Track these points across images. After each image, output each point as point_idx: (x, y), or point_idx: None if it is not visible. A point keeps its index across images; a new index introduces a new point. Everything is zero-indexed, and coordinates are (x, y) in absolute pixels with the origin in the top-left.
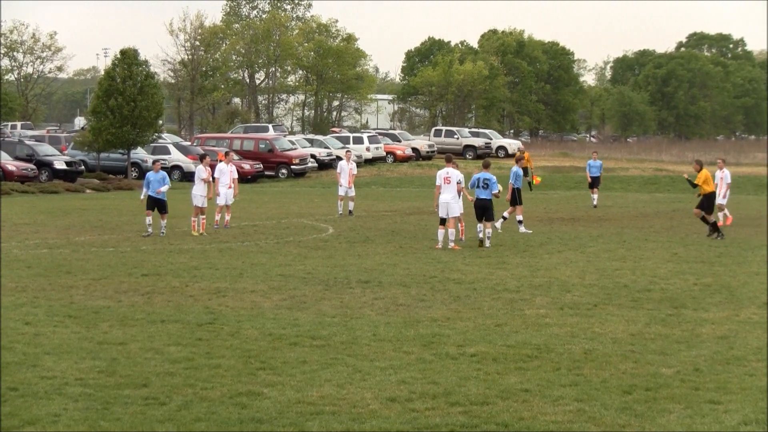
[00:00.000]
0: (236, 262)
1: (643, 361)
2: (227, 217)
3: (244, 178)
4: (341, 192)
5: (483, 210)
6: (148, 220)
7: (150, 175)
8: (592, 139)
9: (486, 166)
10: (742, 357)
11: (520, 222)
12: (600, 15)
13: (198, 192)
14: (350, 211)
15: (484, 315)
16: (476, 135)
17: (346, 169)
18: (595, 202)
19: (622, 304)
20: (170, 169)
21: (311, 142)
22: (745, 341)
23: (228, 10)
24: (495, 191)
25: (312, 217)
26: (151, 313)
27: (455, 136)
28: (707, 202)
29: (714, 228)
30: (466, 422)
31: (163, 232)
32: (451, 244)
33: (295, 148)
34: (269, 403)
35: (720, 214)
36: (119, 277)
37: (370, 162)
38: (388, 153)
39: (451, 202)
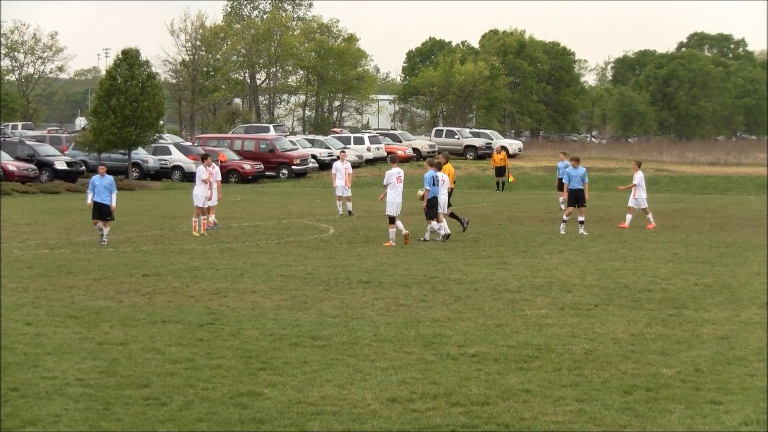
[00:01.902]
0: (237, 262)
1: (644, 362)
2: (211, 218)
3: (244, 178)
4: (338, 192)
5: (435, 207)
6: (99, 226)
7: (95, 179)
8: (592, 139)
9: (431, 165)
10: (743, 357)
11: (564, 222)
12: (601, 15)
13: (199, 192)
14: (350, 212)
15: (485, 315)
16: (477, 135)
17: (341, 170)
18: (563, 204)
19: (623, 304)
20: (171, 170)
21: (312, 142)
22: (746, 341)
23: (229, 10)
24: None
25: (313, 217)
26: (152, 314)
27: (456, 137)
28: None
29: (456, 217)
30: (466, 422)
31: (104, 241)
32: (392, 242)
33: (296, 149)
34: (270, 403)
35: (649, 216)
36: (120, 278)
37: (370, 162)
38: (388, 153)
39: (401, 201)
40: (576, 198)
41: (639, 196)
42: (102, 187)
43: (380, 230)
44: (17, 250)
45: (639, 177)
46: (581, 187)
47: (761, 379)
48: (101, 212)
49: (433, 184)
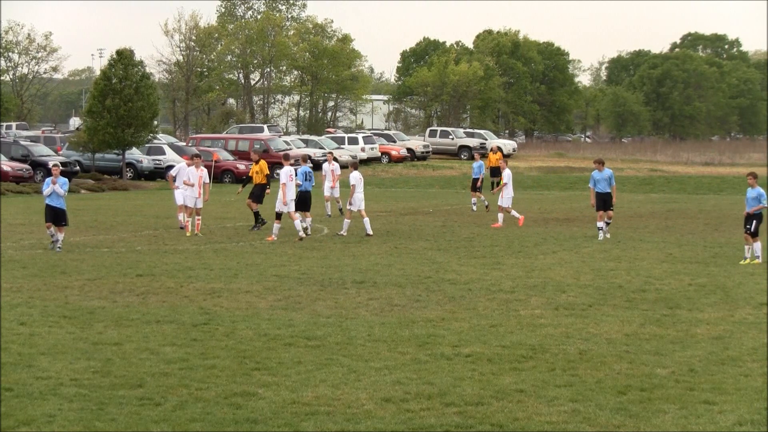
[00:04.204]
0: (231, 262)
1: (638, 362)
2: (180, 216)
3: (239, 178)
4: (326, 193)
5: (305, 202)
6: (51, 231)
7: (50, 180)
8: (587, 139)
9: (304, 160)
10: (737, 357)
11: (599, 229)
12: (595, 15)
13: (192, 193)
14: (340, 210)
15: (479, 315)
16: (471, 135)
17: (329, 171)
18: (475, 205)
19: (617, 304)
20: (165, 170)
21: (306, 142)
22: (740, 342)
23: (223, 10)
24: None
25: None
26: (146, 314)
27: (450, 137)
28: (258, 192)
29: (257, 218)
30: (461, 423)
31: (59, 247)
32: (302, 233)
33: (290, 149)
34: (264, 403)
35: (514, 213)
36: (114, 278)
37: (365, 162)
38: (383, 153)
39: (293, 198)
40: (603, 202)
41: (507, 195)
42: (58, 188)
43: (374, 230)
44: (12, 250)
45: (507, 175)
46: (608, 191)
47: (755, 379)
48: (55, 216)
49: (306, 179)
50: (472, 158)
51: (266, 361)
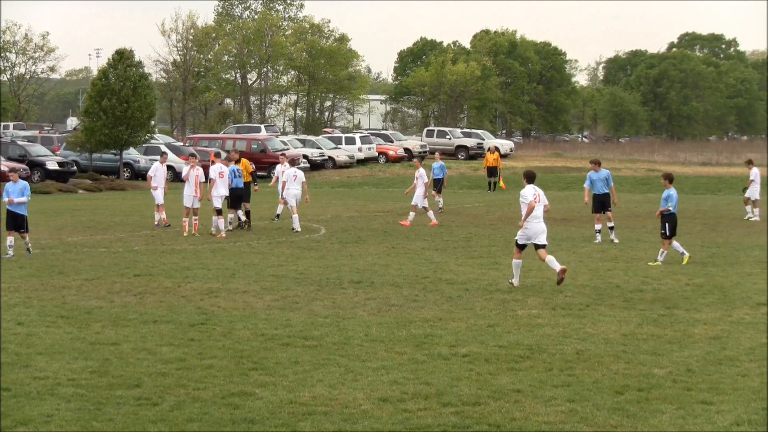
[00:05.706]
0: (228, 262)
1: (636, 362)
2: (162, 215)
3: None
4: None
5: (239, 197)
6: (9, 240)
7: (9, 186)
8: (584, 139)
9: (230, 159)
10: (734, 357)
11: (597, 231)
12: (592, 15)
13: (188, 192)
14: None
15: (477, 315)
16: (468, 135)
17: (280, 172)
18: (440, 205)
19: (615, 304)
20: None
21: (303, 142)
22: (737, 342)
23: (220, 10)
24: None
25: (304, 217)
26: (143, 314)
27: (447, 137)
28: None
29: (248, 216)
30: (458, 423)
31: (29, 252)
32: (223, 233)
33: (287, 149)
34: (261, 403)
35: (430, 214)
36: (112, 278)
37: (362, 162)
38: (380, 153)
39: (224, 194)
40: (601, 203)
41: (418, 194)
42: (16, 195)
43: (372, 230)
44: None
45: (423, 174)
46: (606, 191)
47: (753, 379)
48: (16, 223)
49: (234, 176)
50: (470, 158)
51: (263, 361)
